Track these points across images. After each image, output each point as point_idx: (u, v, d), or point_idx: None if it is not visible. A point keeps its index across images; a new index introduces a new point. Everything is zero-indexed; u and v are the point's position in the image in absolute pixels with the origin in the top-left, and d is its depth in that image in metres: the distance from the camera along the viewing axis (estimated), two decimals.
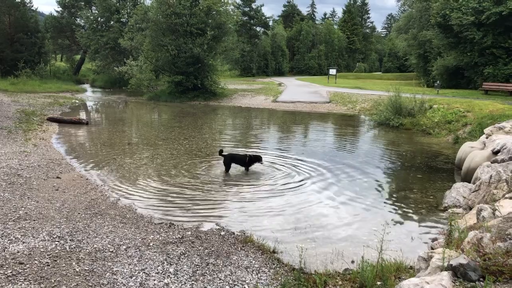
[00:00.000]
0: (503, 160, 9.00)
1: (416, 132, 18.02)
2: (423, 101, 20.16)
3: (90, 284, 4.99)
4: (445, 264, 3.98)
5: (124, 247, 6.11)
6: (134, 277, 5.20)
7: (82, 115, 22.99)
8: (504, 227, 4.50)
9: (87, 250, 5.92)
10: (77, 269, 5.32)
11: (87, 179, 10.05)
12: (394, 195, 9.41)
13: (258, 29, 64.87)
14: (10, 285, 4.85)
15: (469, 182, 9.30)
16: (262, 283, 5.24)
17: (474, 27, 27.59)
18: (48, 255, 5.68)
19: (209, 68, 32.82)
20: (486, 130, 12.92)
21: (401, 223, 7.71)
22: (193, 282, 5.17)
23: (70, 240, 6.24)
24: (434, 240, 6.35)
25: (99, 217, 7.38)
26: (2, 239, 6.13)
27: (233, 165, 11.07)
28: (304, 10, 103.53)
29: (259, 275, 5.46)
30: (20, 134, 15.14)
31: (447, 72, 32.07)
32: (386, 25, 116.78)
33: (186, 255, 5.94)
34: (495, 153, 9.97)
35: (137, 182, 9.95)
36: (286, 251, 6.27)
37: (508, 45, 27.07)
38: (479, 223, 5.62)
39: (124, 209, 8.00)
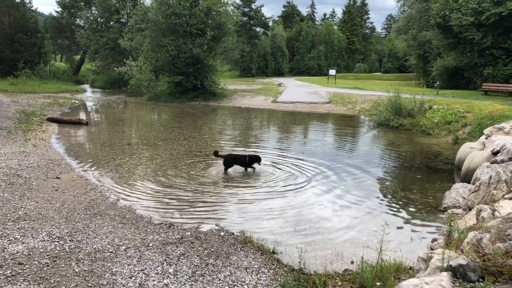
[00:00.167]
0: (502, 161, 9.00)
1: (415, 132, 18.03)
2: (423, 101, 20.17)
3: (89, 284, 4.99)
4: (445, 265, 3.98)
5: (124, 247, 6.11)
6: (133, 278, 5.20)
7: (82, 116, 22.98)
8: (504, 227, 4.50)
9: (87, 251, 5.92)
10: (77, 270, 5.32)
11: (86, 179, 10.05)
12: (394, 196, 9.41)
13: (258, 29, 64.92)
14: (10, 285, 4.85)
15: (469, 183, 9.30)
16: (261, 283, 5.24)
17: (474, 27, 27.60)
18: (47, 255, 5.68)
19: (209, 68, 32.83)
20: (486, 131, 12.92)
21: (401, 224, 7.71)
22: (192, 282, 5.17)
23: (69, 240, 6.24)
24: (433, 240, 6.35)
25: (98, 217, 7.38)
26: (1, 239, 6.12)
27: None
28: (304, 10, 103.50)
29: (258, 275, 5.45)
30: (19, 135, 15.13)
31: (447, 73, 32.09)
32: (385, 26, 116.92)
33: (185, 255, 5.94)
34: (495, 153, 9.98)
35: (137, 183, 9.94)
36: (285, 251, 6.27)
37: (507, 45, 27.08)
38: (478, 223, 5.63)
39: (123, 209, 8.00)
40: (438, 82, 28.99)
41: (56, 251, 5.83)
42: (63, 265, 5.42)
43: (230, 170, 11.08)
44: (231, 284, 5.18)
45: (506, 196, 6.52)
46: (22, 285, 4.88)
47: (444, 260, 4.04)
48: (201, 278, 5.29)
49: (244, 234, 6.90)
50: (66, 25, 53.16)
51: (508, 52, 27.31)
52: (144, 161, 12.19)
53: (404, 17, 51.67)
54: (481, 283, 3.65)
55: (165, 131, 18.34)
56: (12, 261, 5.45)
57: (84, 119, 20.16)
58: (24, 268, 5.28)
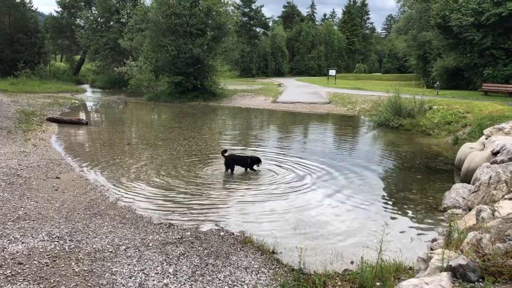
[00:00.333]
0: (502, 161, 9.00)
1: (415, 133, 18.03)
2: (423, 102, 20.17)
3: (89, 284, 4.99)
4: (445, 265, 3.98)
5: (124, 247, 6.11)
6: (133, 278, 5.20)
7: (82, 116, 22.99)
8: (504, 228, 4.50)
9: (87, 251, 5.92)
10: (77, 270, 5.32)
11: (86, 179, 10.05)
12: (394, 196, 9.41)
13: (258, 29, 64.92)
14: (9, 285, 4.85)
15: (469, 183, 9.30)
16: (261, 283, 5.24)
17: (474, 28, 27.60)
18: (47, 255, 5.68)
19: (209, 68, 32.84)
20: (486, 131, 12.93)
21: (401, 224, 7.71)
22: (192, 282, 5.17)
23: (69, 240, 6.24)
24: (433, 240, 6.35)
25: (98, 217, 7.38)
26: (1, 239, 6.12)
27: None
28: (304, 11, 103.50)
29: (258, 275, 5.45)
30: (19, 134, 15.14)
31: (447, 73, 32.09)
32: (385, 26, 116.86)
33: (185, 255, 5.94)
34: (495, 154, 9.98)
35: (137, 183, 9.94)
36: (285, 251, 6.27)
37: (507, 46, 27.08)
38: (478, 224, 5.63)
39: (123, 209, 8.00)
40: (438, 82, 28.99)
41: (56, 251, 5.83)
42: (63, 265, 5.42)
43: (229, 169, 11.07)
44: (231, 284, 5.18)
45: (506, 196, 6.52)
46: (22, 284, 4.88)
47: (444, 260, 4.04)
48: (201, 278, 5.29)
49: (244, 234, 6.90)
50: (66, 25, 53.17)
51: (508, 52, 27.31)
52: (144, 161, 12.19)
53: (404, 17, 51.66)
54: (481, 283, 3.65)
55: (165, 131, 18.34)
56: (12, 260, 5.45)
57: (84, 119, 20.16)
58: (24, 267, 5.28)
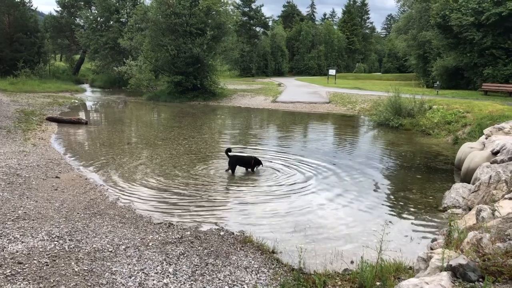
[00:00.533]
0: (502, 161, 9.00)
1: (415, 132, 18.03)
2: (423, 101, 20.16)
3: (89, 284, 4.98)
4: (445, 265, 3.97)
5: (123, 247, 6.10)
6: (133, 277, 5.20)
7: (82, 115, 22.96)
8: (504, 227, 4.50)
9: (86, 250, 5.92)
10: (76, 269, 5.32)
11: (86, 179, 10.05)
12: (394, 196, 9.41)
13: (257, 29, 64.90)
14: (9, 284, 4.84)
15: (469, 183, 9.30)
16: (261, 283, 5.23)
17: (474, 27, 27.59)
18: (47, 255, 5.67)
19: (209, 68, 32.82)
20: (486, 131, 12.92)
21: (401, 224, 7.71)
22: (192, 282, 5.17)
23: (69, 240, 6.23)
24: (433, 240, 6.35)
25: (98, 217, 7.37)
26: (1, 238, 6.11)
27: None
28: (304, 10, 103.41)
29: (258, 275, 5.45)
30: (19, 134, 15.13)
31: (447, 73, 32.08)
32: (385, 26, 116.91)
33: (185, 255, 5.93)
34: (495, 153, 9.97)
35: (136, 182, 9.94)
36: (285, 251, 6.27)
37: (507, 45, 27.08)
38: (478, 223, 5.62)
39: (123, 209, 7.99)
40: (438, 82, 28.98)
41: (56, 251, 5.83)
42: (63, 265, 5.42)
43: (226, 169, 11.06)
44: (230, 284, 5.17)
45: (506, 196, 6.52)
46: (22, 284, 4.87)
47: (444, 260, 4.04)
48: (200, 278, 5.28)
49: (243, 233, 6.89)
50: (65, 24, 53.13)
51: (508, 52, 27.30)
52: (143, 161, 12.18)
53: (404, 17, 51.66)
54: (481, 283, 3.65)
55: (164, 130, 18.33)
56: (12, 260, 5.44)
57: (84, 118, 20.14)
58: (23, 267, 5.27)
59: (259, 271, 5.57)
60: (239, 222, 7.53)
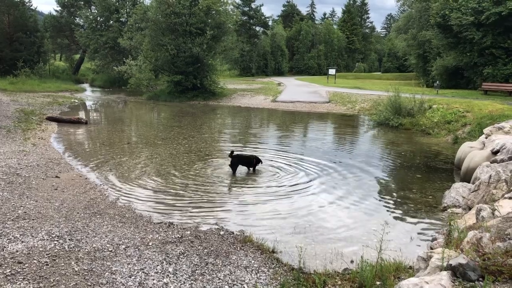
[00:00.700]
0: (502, 160, 9.00)
1: (415, 132, 18.03)
2: (423, 101, 20.16)
3: (89, 283, 4.98)
4: (445, 264, 3.98)
5: (123, 246, 6.10)
6: (133, 277, 5.20)
7: (81, 115, 22.94)
8: (504, 227, 4.50)
9: (86, 250, 5.92)
10: (76, 269, 5.32)
11: (86, 178, 10.04)
12: (394, 195, 9.41)
13: (257, 29, 64.87)
14: (9, 284, 4.84)
15: (469, 182, 9.30)
16: (261, 282, 5.23)
17: (474, 27, 27.59)
18: (47, 254, 5.67)
19: (209, 67, 32.82)
20: (486, 130, 12.92)
21: (401, 223, 7.71)
22: (192, 281, 5.17)
23: (69, 239, 6.23)
24: (433, 240, 6.35)
25: (98, 216, 7.37)
26: (1, 238, 6.11)
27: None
28: (304, 10, 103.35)
29: (258, 274, 5.45)
30: (19, 134, 15.12)
31: (447, 72, 32.07)
32: (385, 25, 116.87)
33: (185, 254, 5.93)
34: (495, 153, 9.98)
35: (136, 182, 9.94)
36: (285, 250, 6.27)
37: (507, 45, 27.07)
38: (478, 223, 5.62)
39: (123, 208, 7.99)
40: (438, 81, 28.98)
41: (56, 250, 5.83)
42: (63, 264, 5.42)
43: (229, 169, 11.06)
44: (230, 283, 5.17)
45: (506, 195, 6.52)
46: (22, 284, 4.87)
47: (444, 259, 4.04)
48: (200, 277, 5.28)
49: (243, 233, 6.89)
50: (65, 24, 53.10)
51: (508, 51, 27.29)
52: (143, 160, 12.18)
53: (404, 16, 51.63)
54: (481, 282, 3.65)
55: (164, 130, 18.33)
56: (12, 260, 5.44)
57: (84, 118, 20.13)
58: (23, 267, 5.27)
59: (259, 270, 5.57)
60: (239, 222, 7.53)
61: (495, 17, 26.19)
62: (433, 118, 18.43)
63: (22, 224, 6.71)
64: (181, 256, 5.86)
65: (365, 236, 6.93)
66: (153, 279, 5.16)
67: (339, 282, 5.14)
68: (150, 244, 6.25)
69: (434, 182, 10.45)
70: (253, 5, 62.89)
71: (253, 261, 5.82)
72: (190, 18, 31.31)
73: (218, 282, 5.17)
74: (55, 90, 34.96)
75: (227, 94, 33.35)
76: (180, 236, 6.60)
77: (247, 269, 5.57)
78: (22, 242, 6.04)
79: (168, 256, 5.83)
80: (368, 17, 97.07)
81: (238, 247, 6.29)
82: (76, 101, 30.55)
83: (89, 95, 37.52)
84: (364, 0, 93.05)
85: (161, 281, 5.13)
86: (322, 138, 16.99)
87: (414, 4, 42.52)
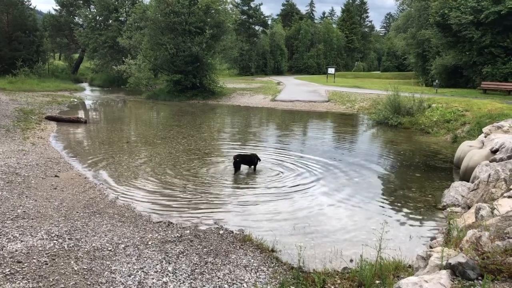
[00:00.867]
0: (501, 159, 9.00)
1: (414, 131, 18.03)
2: (422, 100, 20.17)
3: (88, 282, 4.98)
4: (444, 263, 3.98)
5: (123, 246, 6.10)
6: (132, 276, 5.20)
7: (81, 114, 22.92)
8: (503, 226, 4.50)
9: (86, 249, 5.91)
10: (76, 268, 5.32)
11: (85, 177, 10.04)
12: (393, 194, 9.42)
13: (257, 28, 64.85)
14: (8, 283, 4.84)
15: (468, 181, 9.31)
16: (260, 281, 5.24)
17: (473, 26, 27.60)
18: (46, 253, 5.67)
19: (208, 67, 32.79)
20: (485, 129, 12.93)
21: (400, 222, 7.71)
22: (191, 280, 5.17)
23: (68, 239, 6.23)
24: (432, 239, 6.36)
25: (97, 215, 7.37)
26: (0, 237, 6.11)
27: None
28: (303, 9, 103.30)
29: (257, 273, 5.45)
30: (18, 133, 15.10)
31: (446, 71, 32.09)
32: (384, 24, 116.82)
33: (184, 253, 5.93)
34: (494, 152, 9.98)
35: (136, 181, 9.93)
36: (284, 250, 6.27)
37: (506, 44, 27.10)
38: (477, 222, 5.63)
39: (122, 208, 7.99)
40: (437, 80, 29.00)
41: (55, 250, 5.82)
42: (62, 264, 5.42)
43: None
44: (230, 282, 5.17)
45: (505, 194, 6.52)
46: (21, 283, 4.87)
47: (443, 258, 4.05)
48: (200, 276, 5.28)
49: (243, 232, 6.90)
50: (64, 23, 53.05)
51: (507, 50, 27.32)
52: (143, 160, 12.17)
53: (403, 15, 51.59)
54: (480, 281, 3.66)
55: (164, 129, 18.32)
56: (11, 259, 5.44)
57: (83, 117, 20.12)
58: (23, 266, 5.27)
59: (259, 269, 5.57)
60: (238, 220, 7.53)
61: (494, 16, 26.21)
62: (432, 117, 18.44)
63: (22, 224, 6.71)
64: (180, 255, 5.86)
65: (365, 235, 6.93)
66: (153, 278, 5.16)
67: (339, 281, 5.14)
68: (150, 243, 6.25)
69: (434, 181, 10.45)
70: (252, 4, 62.86)
71: (252, 260, 5.82)
72: (189, 17, 31.28)
73: (218, 281, 5.18)
74: (54, 90, 34.91)
75: (227, 93, 33.34)
76: (179, 235, 6.60)
77: (247, 268, 5.57)
78: (22, 241, 6.03)
79: (167, 255, 5.83)
80: (367, 16, 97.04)
81: (238, 246, 6.29)
82: (75, 100, 30.52)
83: (88, 95, 37.47)
84: None
85: (161, 280, 5.13)
86: (322, 137, 16.98)
87: (413, 3, 42.47)
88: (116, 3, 46.55)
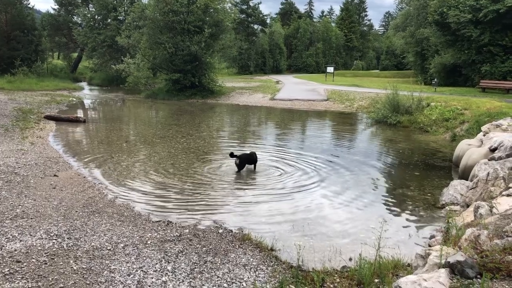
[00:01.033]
0: (500, 158, 9.01)
1: (413, 129, 18.05)
2: (421, 98, 20.17)
3: (87, 282, 4.98)
4: (443, 261, 3.98)
5: (122, 245, 6.10)
6: (132, 275, 5.20)
7: (80, 113, 22.90)
8: (501, 224, 4.52)
9: (85, 248, 5.91)
10: (75, 267, 5.32)
11: (84, 177, 10.03)
12: (392, 193, 9.43)
13: (255, 27, 64.81)
14: (8, 283, 4.84)
15: (467, 180, 9.32)
16: (260, 280, 5.24)
17: (472, 24, 27.61)
18: (45, 253, 5.67)
19: (207, 66, 32.77)
20: (484, 128, 12.94)
21: (399, 221, 7.72)
22: (191, 279, 5.17)
23: (67, 238, 6.23)
24: (431, 237, 6.37)
25: (96, 215, 7.37)
26: None
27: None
28: (302, 7, 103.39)
29: (257, 272, 5.46)
30: (17, 132, 15.09)
31: (445, 70, 32.10)
32: (383, 23, 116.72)
33: (184, 253, 5.94)
34: (493, 150, 9.99)
35: (135, 180, 9.93)
36: (284, 248, 6.27)
37: (505, 42, 27.10)
38: (476, 220, 5.64)
39: (121, 207, 7.99)
40: (436, 79, 29.01)
41: (54, 249, 5.82)
42: (61, 263, 5.41)
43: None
44: (229, 281, 5.18)
45: (504, 192, 6.53)
46: (20, 283, 4.87)
47: (442, 257, 4.05)
48: (199, 275, 5.29)
49: (242, 231, 6.90)
50: (63, 22, 52.96)
51: (505, 49, 27.32)
52: (142, 159, 12.17)
53: (402, 14, 51.51)
54: (478, 280, 3.66)
55: (162, 128, 18.31)
56: (10, 259, 5.44)
57: (82, 116, 20.11)
58: (22, 266, 5.27)
59: (258, 268, 5.57)
60: (237, 219, 7.53)
61: (493, 15, 26.21)
62: (431, 115, 18.45)
63: (21, 223, 6.70)
64: (179, 254, 5.87)
65: (364, 234, 6.94)
66: (152, 277, 5.16)
67: (338, 280, 5.15)
68: (149, 242, 6.25)
69: (432, 179, 10.46)
70: (251, 3, 62.81)
71: (251, 259, 5.83)
72: (188, 16, 31.24)
73: (217, 280, 5.18)
74: (53, 89, 34.86)
75: (226, 92, 33.33)
76: (178, 235, 6.60)
77: (246, 267, 5.58)
78: (21, 241, 6.03)
79: (166, 255, 5.83)
80: (366, 15, 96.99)
81: (237, 245, 6.30)
82: (74, 99, 30.48)
83: (87, 94, 37.43)
84: None
85: (160, 279, 5.14)
86: (321, 136, 16.99)
87: (412, 2, 42.45)
88: (115, 2, 46.50)
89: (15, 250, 5.70)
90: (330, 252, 6.17)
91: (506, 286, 3.60)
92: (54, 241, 6.09)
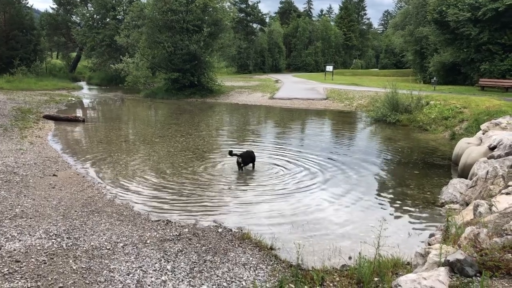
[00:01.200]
0: (499, 156, 9.02)
1: (413, 128, 18.05)
2: (420, 97, 20.17)
3: (87, 281, 4.98)
4: (442, 260, 3.98)
5: (121, 244, 6.10)
6: (131, 275, 5.19)
7: (79, 113, 22.89)
8: (501, 222, 4.52)
9: (84, 248, 5.91)
10: (74, 267, 5.31)
11: (83, 176, 10.02)
12: (391, 191, 9.43)
13: (254, 26, 64.84)
14: (7, 283, 4.83)
15: (466, 178, 9.33)
16: (259, 279, 5.24)
17: (471, 23, 27.61)
18: (44, 253, 5.66)
19: (206, 65, 32.75)
20: (483, 126, 12.95)
21: (398, 219, 7.73)
22: (190, 279, 5.17)
23: (67, 238, 6.22)
24: (431, 236, 6.36)
25: (96, 214, 7.36)
26: None
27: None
28: (301, 6, 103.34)
29: (256, 271, 5.45)
30: (16, 132, 15.07)
31: (444, 69, 32.12)
32: (382, 22, 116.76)
33: (183, 252, 5.93)
34: (492, 149, 10.00)
35: (134, 180, 9.92)
36: (283, 247, 6.27)
37: (504, 41, 27.11)
38: (475, 218, 5.64)
39: (121, 206, 7.98)
40: (435, 77, 29.01)
41: (54, 249, 5.82)
42: (61, 263, 5.41)
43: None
44: (229, 281, 5.17)
45: (503, 191, 6.54)
46: (20, 282, 4.86)
47: (441, 255, 4.05)
48: (199, 275, 5.28)
49: (241, 230, 6.89)
50: (62, 22, 52.90)
51: (504, 47, 27.34)
52: (141, 158, 12.16)
53: (401, 13, 51.57)
54: (478, 278, 3.66)
55: (162, 128, 18.30)
56: (9, 258, 5.43)
57: (81, 116, 20.10)
58: (21, 265, 5.26)
59: (257, 267, 5.57)
60: (236, 219, 7.52)
61: (492, 13, 26.22)
62: (430, 114, 18.45)
63: (20, 223, 6.69)
64: (179, 254, 5.86)
65: (363, 233, 6.93)
66: (151, 277, 5.16)
67: (337, 279, 5.15)
68: (148, 242, 6.25)
69: (432, 178, 10.47)
70: (250, 2, 62.87)
71: (251, 258, 5.83)
72: (187, 15, 31.23)
73: (217, 279, 5.18)
74: (52, 88, 34.83)
75: (225, 92, 33.32)
76: (178, 234, 6.59)
77: (246, 266, 5.58)
78: (20, 240, 6.02)
79: (166, 254, 5.83)
80: (365, 14, 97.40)
81: (236, 244, 6.30)
82: (73, 99, 30.45)
83: (86, 93, 37.40)
84: None
85: (159, 278, 5.13)
86: (320, 134, 16.99)
87: (411, 0, 42.48)
88: (114, 1, 46.50)
89: (14, 250, 5.69)
90: (330, 250, 6.17)
91: (506, 284, 3.60)
92: (53, 240, 6.08)
